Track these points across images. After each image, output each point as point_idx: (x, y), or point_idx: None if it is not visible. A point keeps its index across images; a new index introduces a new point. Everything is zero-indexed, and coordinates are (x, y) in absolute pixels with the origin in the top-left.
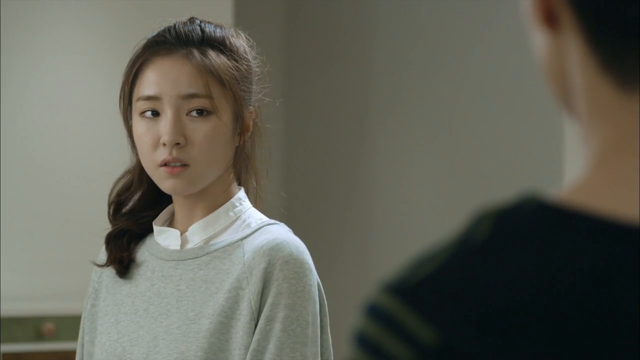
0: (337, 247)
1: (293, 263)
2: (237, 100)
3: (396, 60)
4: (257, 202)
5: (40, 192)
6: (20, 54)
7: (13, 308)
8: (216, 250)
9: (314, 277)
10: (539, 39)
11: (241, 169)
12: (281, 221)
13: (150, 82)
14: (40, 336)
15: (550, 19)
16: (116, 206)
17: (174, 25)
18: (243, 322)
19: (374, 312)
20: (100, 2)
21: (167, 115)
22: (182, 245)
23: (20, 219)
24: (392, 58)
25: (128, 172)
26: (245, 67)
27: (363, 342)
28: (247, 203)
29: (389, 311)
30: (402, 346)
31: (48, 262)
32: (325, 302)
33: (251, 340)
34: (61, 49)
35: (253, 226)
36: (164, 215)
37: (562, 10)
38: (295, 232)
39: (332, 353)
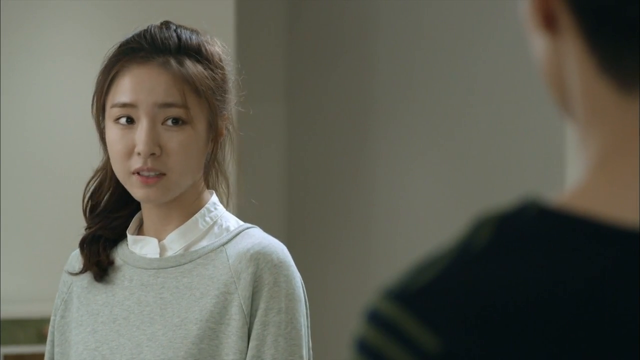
0: (339, 252)
1: (281, 266)
2: (212, 110)
3: (399, 62)
4: (228, 206)
5: (41, 193)
6: (22, 56)
7: (14, 310)
8: (198, 257)
9: (299, 278)
10: (537, 42)
11: (211, 174)
12: (282, 227)
13: (126, 89)
14: (41, 338)
15: (549, 22)
16: (92, 206)
17: (149, 30)
18: (235, 326)
19: (375, 319)
20: (101, 4)
21: (143, 125)
22: (160, 254)
23: (21, 220)
24: (395, 60)
25: (98, 170)
26: (220, 75)
27: (364, 348)
28: (221, 207)
29: (390, 318)
30: (403, 353)
31: (49, 263)
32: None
33: (246, 345)
34: (62, 51)
35: (232, 230)
36: (134, 223)
37: (561, 12)
38: (297, 237)
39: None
